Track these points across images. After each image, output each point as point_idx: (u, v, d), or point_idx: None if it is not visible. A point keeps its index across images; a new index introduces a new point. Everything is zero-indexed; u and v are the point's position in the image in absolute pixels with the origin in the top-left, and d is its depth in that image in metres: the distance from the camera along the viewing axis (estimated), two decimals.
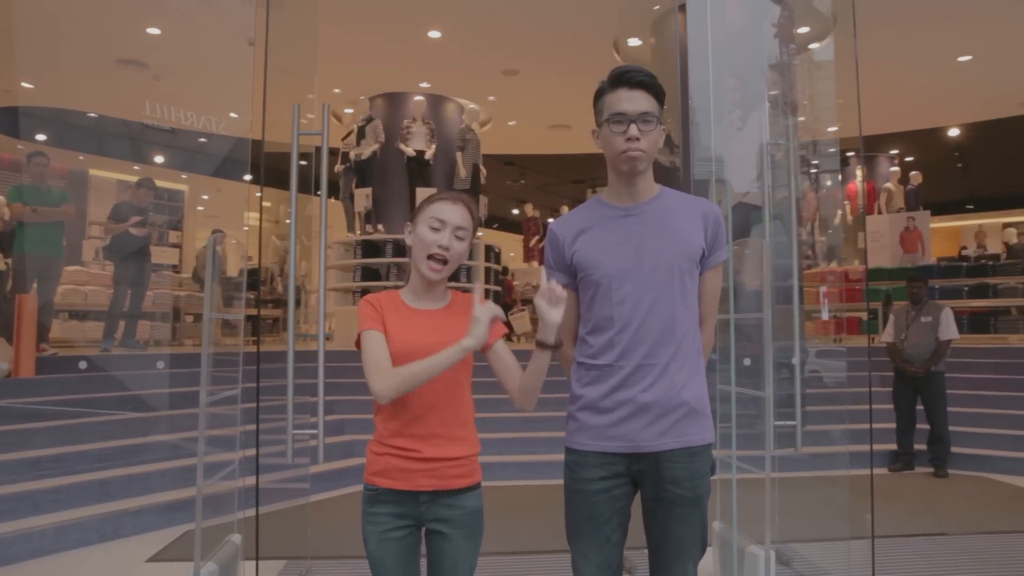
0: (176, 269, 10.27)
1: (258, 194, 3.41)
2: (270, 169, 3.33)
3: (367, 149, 9.50)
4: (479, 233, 10.41)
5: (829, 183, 9.62)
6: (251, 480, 3.05)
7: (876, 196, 12.80)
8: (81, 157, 10.60)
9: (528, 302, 11.52)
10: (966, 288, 9.97)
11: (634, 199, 1.79)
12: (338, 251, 9.84)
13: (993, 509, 4.70)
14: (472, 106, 10.77)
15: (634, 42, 8.73)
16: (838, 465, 3.77)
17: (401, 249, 9.07)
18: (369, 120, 9.66)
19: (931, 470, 5.63)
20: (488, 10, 8.09)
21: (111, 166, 10.67)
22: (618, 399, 1.72)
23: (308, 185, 3.19)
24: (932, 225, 12.02)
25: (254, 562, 3.11)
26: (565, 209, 15.79)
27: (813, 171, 8.19)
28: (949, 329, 5.58)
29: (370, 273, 9.34)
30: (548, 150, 14.15)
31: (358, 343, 1.74)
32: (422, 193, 9.23)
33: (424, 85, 10.44)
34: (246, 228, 8.69)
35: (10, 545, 3.58)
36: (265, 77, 2.94)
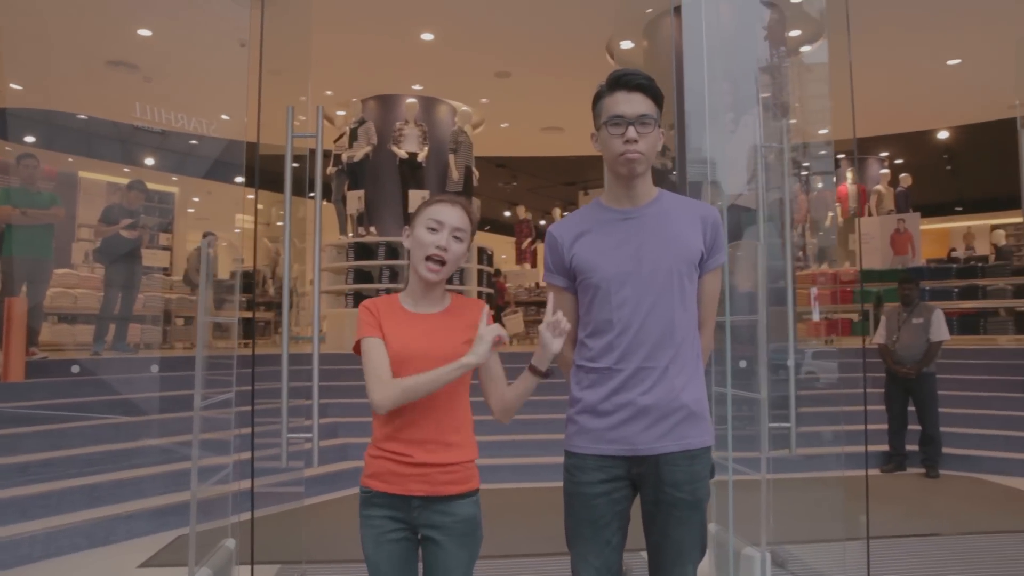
0: (167, 272, 10.19)
1: (251, 196, 3.39)
2: (263, 171, 3.31)
3: (359, 151, 9.47)
4: None
5: (820, 185, 9.67)
6: (245, 484, 3.04)
7: (866, 198, 12.89)
8: (71, 159, 10.52)
9: (521, 304, 11.54)
10: (956, 290, 10.01)
11: (633, 202, 1.79)
12: (330, 253, 9.80)
13: (984, 509, 4.73)
14: (464, 108, 10.77)
15: (626, 45, 8.75)
16: (832, 466, 3.77)
17: (394, 251, 9.03)
18: (361, 122, 9.64)
19: (923, 471, 5.66)
20: (481, 12, 8.08)
21: (101, 168, 10.59)
22: (617, 402, 1.72)
23: (301, 187, 3.18)
24: (922, 227, 12.12)
25: (248, 567, 3.09)
26: (557, 211, 15.81)
27: (804, 173, 8.22)
28: (940, 330, 5.61)
29: (362, 276, 9.30)
30: (540, 152, 14.17)
31: (356, 348, 1.73)
32: (414, 195, 9.22)
33: (416, 87, 10.42)
34: (238, 231, 8.64)
35: None
36: (260, 79, 2.93)
